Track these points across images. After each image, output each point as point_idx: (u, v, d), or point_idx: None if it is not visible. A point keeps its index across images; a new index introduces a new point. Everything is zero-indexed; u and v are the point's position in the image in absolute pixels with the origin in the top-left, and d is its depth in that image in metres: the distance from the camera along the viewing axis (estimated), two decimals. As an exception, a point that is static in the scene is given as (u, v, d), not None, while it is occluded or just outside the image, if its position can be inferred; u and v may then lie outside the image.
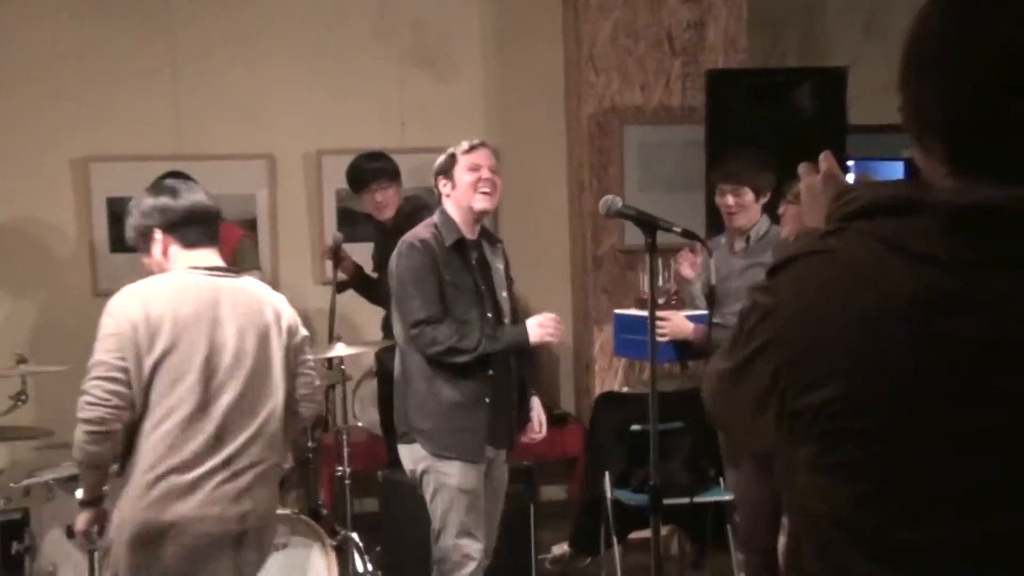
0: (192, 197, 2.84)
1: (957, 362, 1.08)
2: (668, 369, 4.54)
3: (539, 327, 3.48)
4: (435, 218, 3.49)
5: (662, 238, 2.91)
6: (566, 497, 5.57)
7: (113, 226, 5.21)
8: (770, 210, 3.91)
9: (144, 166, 5.19)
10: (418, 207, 4.42)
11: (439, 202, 3.52)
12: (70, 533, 3.32)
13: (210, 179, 5.40)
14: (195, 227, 2.81)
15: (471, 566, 3.44)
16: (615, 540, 4.42)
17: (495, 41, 5.63)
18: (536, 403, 3.71)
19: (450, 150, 3.50)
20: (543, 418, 3.72)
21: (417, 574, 3.84)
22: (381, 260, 4.36)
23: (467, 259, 3.44)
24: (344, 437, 4.23)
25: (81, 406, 2.60)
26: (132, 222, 2.85)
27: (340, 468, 4.23)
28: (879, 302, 1.09)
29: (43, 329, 5.25)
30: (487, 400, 3.43)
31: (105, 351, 2.62)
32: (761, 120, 4.65)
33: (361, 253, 4.74)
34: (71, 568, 3.49)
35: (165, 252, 2.81)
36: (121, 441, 2.66)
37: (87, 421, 2.59)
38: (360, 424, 4.97)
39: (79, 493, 2.82)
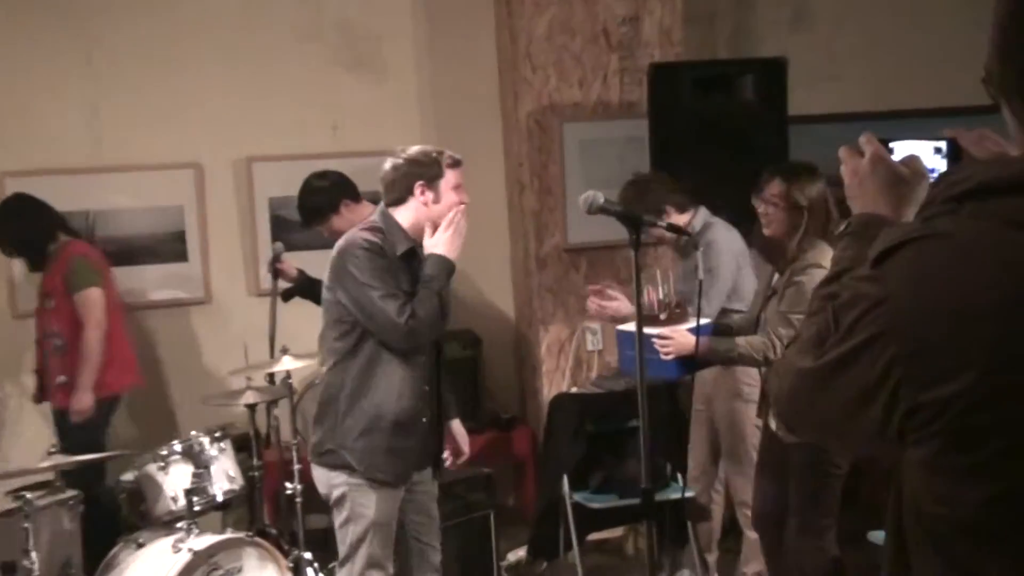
0: None
1: None
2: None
3: (444, 242, 3.19)
4: (378, 222, 3.24)
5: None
6: (515, 502, 5.46)
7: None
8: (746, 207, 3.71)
9: (60, 180, 4.96)
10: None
11: (392, 204, 3.25)
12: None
13: (133, 191, 5.23)
14: None
15: None
16: (575, 542, 4.36)
17: (427, 39, 5.50)
18: (457, 424, 3.59)
19: (432, 153, 3.25)
20: (466, 438, 3.61)
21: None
22: None
23: (414, 270, 3.23)
24: (293, 454, 4.10)
25: None
26: None
27: (290, 485, 4.10)
28: (1017, 285, 1.02)
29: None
30: (424, 420, 3.30)
31: None
32: (703, 112, 4.63)
33: (302, 261, 4.56)
34: None
35: None
36: None
37: None
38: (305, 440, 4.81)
39: None
